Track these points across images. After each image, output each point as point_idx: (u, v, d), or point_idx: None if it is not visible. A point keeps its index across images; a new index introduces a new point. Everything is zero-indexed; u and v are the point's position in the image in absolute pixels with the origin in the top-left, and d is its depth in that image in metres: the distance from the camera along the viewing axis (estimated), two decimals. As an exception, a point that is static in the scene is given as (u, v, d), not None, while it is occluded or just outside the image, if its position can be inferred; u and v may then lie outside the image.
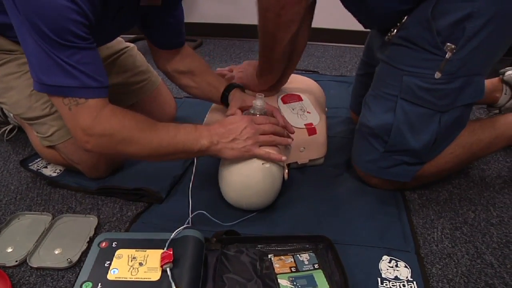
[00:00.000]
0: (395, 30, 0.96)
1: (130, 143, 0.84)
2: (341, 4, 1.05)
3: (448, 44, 0.88)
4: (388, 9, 0.95)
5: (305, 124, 1.11)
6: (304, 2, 0.91)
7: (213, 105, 1.21)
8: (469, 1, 0.84)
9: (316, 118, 1.14)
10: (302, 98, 1.19)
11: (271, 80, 1.11)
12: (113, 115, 0.82)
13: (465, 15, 0.85)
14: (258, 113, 0.97)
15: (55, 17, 0.73)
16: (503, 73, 1.29)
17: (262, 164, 0.92)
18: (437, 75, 0.91)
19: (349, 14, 1.08)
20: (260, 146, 0.92)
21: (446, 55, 0.89)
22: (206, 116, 1.19)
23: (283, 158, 0.93)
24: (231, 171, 0.95)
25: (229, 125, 0.90)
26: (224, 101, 1.08)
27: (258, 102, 0.96)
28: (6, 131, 1.38)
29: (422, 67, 0.92)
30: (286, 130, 0.99)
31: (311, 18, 1.09)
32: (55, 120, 1.03)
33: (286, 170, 0.99)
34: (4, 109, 1.35)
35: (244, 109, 1.03)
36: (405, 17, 0.94)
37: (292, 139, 0.99)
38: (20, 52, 1.00)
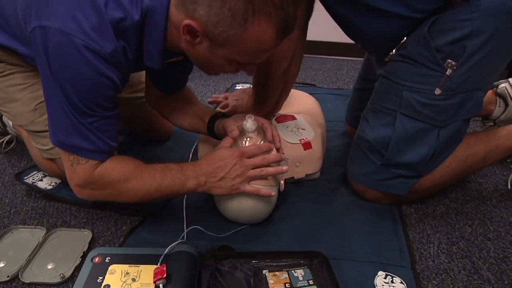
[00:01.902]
0: (394, 50, 0.97)
1: (119, 195, 0.88)
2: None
3: (449, 61, 0.89)
4: (388, 36, 0.96)
5: (300, 140, 1.11)
6: (296, 38, 0.92)
7: None
8: (467, 21, 0.86)
9: (310, 133, 1.14)
10: (296, 117, 1.20)
11: (266, 108, 1.13)
12: (105, 173, 0.84)
13: (466, 34, 0.86)
14: (249, 135, 0.94)
15: (89, 90, 0.75)
16: (497, 86, 1.29)
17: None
18: (437, 91, 0.91)
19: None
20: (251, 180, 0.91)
21: (447, 72, 0.89)
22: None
23: (273, 193, 0.92)
24: None
25: (217, 162, 0.88)
26: (210, 132, 1.05)
27: (248, 123, 0.93)
28: (4, 143, 1.37)
29: (422, 83, 0.93)
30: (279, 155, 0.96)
31: (303, 48, 1.08)
32: None
33: (282, 182, 0.99)
34: (3, 118, 1.35)
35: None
36: (404, 38, 0.95)
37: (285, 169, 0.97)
38: (27, 67, 1.00)
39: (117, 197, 0.88)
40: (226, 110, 1.23)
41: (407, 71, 0.95)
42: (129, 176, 0.85)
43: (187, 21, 0.71)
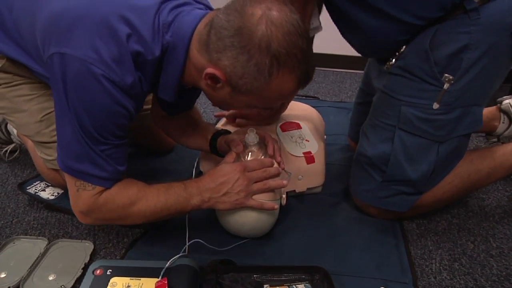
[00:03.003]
0: (394, 60, 0.97)
1: (125, 219, 0.88)
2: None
3: (446, 75, 0.89)
4: (386, 38, 0.96)
5: (303, 153, 1.11)
6: None
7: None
8: (466, 33, 0.86)
9: (314, 146, 1.14)
10: (301, 126, 1.20)
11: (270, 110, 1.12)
12: (109, 199, 0.83)
13: (462, 47, 0.87)
14: (251, 149, 0.95)
15: (104, 119, 0.75)
16: (501, 102, 1.29)
17: None
18: (435, 105, 0.91)
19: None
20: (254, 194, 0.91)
21: (444, 86, 0.90)
22: None
23: (276, 206, 0.93)
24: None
25: (220, 178, 0.88)
26: (212, 149, 1.06)
27: (250, 137, 0.94)
28: (8, 152, 1.38)
29: (420, 98, 0.93)
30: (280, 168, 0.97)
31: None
32: None
33: (284, 196, 0.99)
34: (8, 126, 1.36)
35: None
36: (404, 47, 0.95)
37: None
38: (34, 79, 1.00)
39: (122, 221, 0.88)
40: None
41: (405, 86, 0.95)
42: (134, 200, 0.85)
43: (210, 70, 0.73)
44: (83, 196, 0.82)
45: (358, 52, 1.11)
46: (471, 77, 0.89)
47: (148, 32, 0.74)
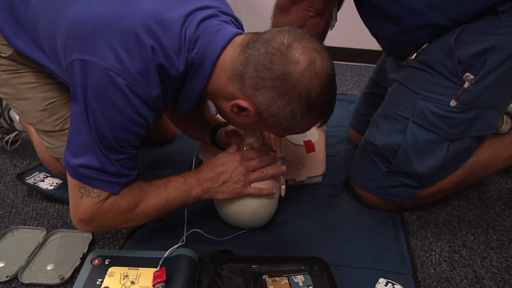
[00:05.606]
0: (414, 55, 0.96)
1: (129, 222, 0.86)
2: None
3: (468, 74, 0.88)
4: (413, 39, 0.95)
5: (304, 141, 1.11)
6: None
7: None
8: (493, 34, 0.85)
9: (315, 135, 1.14)
10: None
11: None
12: (114, 204, 0.81)
13: (488, 47, 0.86)
14: (248, 140, 0.95)
15: (124, 128, 0.73)
16: None
17: None
18: (453, 103, 0.90)
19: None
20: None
21: (465, 85, 0.88)
22: None
23: (274, 191, 0.94)
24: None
25: (218, 168, 0.89)
26: (212, 141, 1.06)
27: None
28: (9, 142, 1.37)
29: (438, 93, 0.92)
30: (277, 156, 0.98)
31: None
32: (65, 136, 1.01)
33: (283, 187, 0.99)
34: (10, 113, 1.35)
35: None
36: (426, 44, 0.94)
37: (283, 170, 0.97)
38: (39, 69, 0.99)
39: (126, 224, 0.86)
40: None
41: (424, 79, 0.94)
42: (137, 201, 0.83)
43: (243, 103, 0.73)
44: (86, 203, 0.78)
45: (383, 49, 1.09)
46: (493, 79, 0.88)
47: (173, 47, 0.72)
